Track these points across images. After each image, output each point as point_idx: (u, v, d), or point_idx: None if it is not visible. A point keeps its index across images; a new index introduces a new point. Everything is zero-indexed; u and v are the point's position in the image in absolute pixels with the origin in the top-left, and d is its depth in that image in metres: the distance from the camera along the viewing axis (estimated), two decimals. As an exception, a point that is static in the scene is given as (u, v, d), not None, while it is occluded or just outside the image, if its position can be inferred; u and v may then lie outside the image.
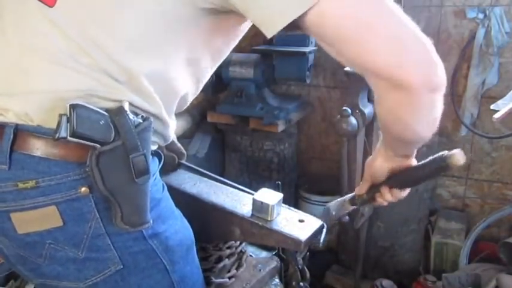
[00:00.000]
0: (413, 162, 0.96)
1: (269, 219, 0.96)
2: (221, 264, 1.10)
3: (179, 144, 1.24)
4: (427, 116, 0.78)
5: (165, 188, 0.96)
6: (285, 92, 2.82)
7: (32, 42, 0.78)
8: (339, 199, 1.10)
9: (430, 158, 0.91)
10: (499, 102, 1.68)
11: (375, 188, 1.00)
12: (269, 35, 0.73)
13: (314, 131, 2.82)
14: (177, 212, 0.97)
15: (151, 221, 0.84)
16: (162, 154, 0.98)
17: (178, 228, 0.94)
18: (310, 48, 2.33)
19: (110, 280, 0.85)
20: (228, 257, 1.13)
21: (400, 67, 0.69)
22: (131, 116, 0.77)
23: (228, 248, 1.12)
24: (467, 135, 2.39)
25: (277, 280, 1.23)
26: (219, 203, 1.02)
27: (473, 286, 1.80)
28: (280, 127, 2.36)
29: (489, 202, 2.45)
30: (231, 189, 1.10)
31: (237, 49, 2.82)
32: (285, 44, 2.33)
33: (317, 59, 2.58)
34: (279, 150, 2.49)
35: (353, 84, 1.73)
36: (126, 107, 0.77)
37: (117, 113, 0.76)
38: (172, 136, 1.22)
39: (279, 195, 0.99)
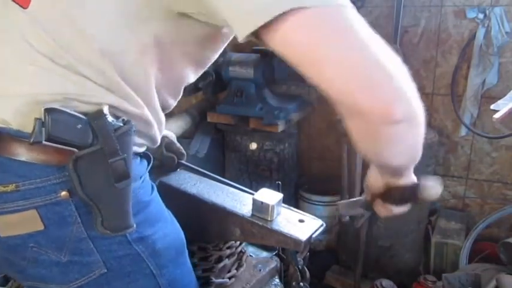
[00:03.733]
0: (411, 179, 0.92)
1: (269, 219, 0.96)
2: (221, 264, 1.10)
3: (178, 145, 1.24)
4: (393, 147, 0.74)
5: (155, 189, 0.95)
6: (285, 92, 2.82)
7: (8, 43, 0.77)
8: (351, 200, 1.08)
9: (415, 182, 0.90)
10: (499, 102, 1.68)
11: (374, 198, 1.00)
12: (240, 38, 0.67)
13: (314, 131, 2.82)
14: (168, 214, 0.96)
15: (134, 226, 0.83)
16: (151, 156, 0.96)
17: (168, 231, 0.93)
18: (310, 48, 2.33)
19: (94, 284, 0.84)
20: (228, 257, 1.13)
21: (355, 94, 0.65)
22: (110, 119, 0.76)
23: (228, 248, 1.12)
24: (467, 135, 2.39)
25: (277, 280, 1.23)
26: (219, 203, 1.02)
27: (473, 286, 1.79)
28: (280, 127, 2.36)
29: (489, 202, 2.45)
30: (231, 189, 1.10)
31: (237, 49, 2.83)
32: (285, 44, 2.33)
33: (317, 59, 2.58)
34: (279, 150, 2.49)
35: (353, 84, 1.73)
36: (106, 110, 0.77)
37: (95, 117, 0.76)
38: (171, 135, 1.21)
39: (279, 195, 0.99)
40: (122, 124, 0.78)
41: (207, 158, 2.44)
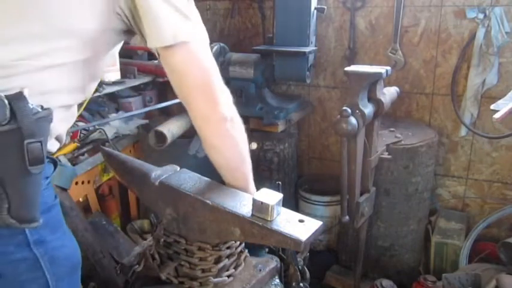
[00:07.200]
0: None
1: (269, 219, 0.96)
2: (221, 265, 1.10)
3: None
4: None
5: (58, 198, 0.93)
6: (285, 92, 2.82)
7: None
8: None
9: None
10: (499, 102, 1.68)
11: None
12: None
13: (314, 131, 2.82)
14: (67, 228, 0.94)
15: (41, 220, 0.78)
16: (57, 162, 0.95)
17: (67, 242, 0.90)
18: (310, 48, 2.33)
19: None
20: (228, 257, 1.13)
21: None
22: (30, 103, 0.75)
23: (228, 248, 1.12)
24: (467, 135, 2.39)
25: (277, 280, 1.23)
26: (219, 203, 1.02)
27: (473, 286, 1.79)
28: (280, 127, 2.36)
29: (489, 202, 2.45)
30: (231, 189, 1.10)
31: (237, 49, 2.83)
32: (285, 44, 2.33)
33: (317, 59, 2.58)
34: (279, 150, 2.49)
35: (353, 84, 1.73)
36: (26, 93, 0.75)
37: (15, 97, 0.74)
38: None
39: (279, 195, 0.98)
40: (40, 109, 0.76)
41: (207, 158, 2.43)
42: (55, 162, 0.94)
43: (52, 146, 0.92)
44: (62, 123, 0.92)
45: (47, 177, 0.88)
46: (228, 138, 1.01)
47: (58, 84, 0.86)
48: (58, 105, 0.87)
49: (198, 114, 0.96)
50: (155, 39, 0.88)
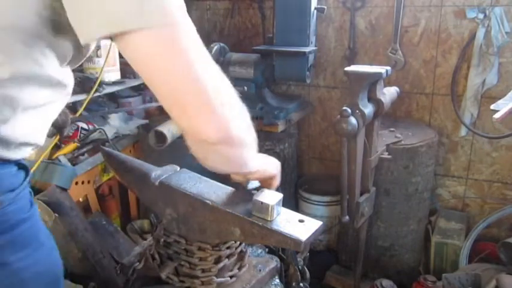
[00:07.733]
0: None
1: (269, 219, 0.96)
2: (220, 265, 1.10)
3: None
4: (212, 160, 0.90)
5: (34, 208, 0.83)
6: (285, 92, 2.82)
7: None
8: None
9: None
10: (499, 102, 1.68)
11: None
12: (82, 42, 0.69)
13: (314, 131, 2.82)
14: (46, 239, 0.85)
15: None
16: (29, 169, 0.84)
17: (41, 257, 0.81)
18: (310, 48, 2.33)
19: None
20: (228, 257, 1.13)
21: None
22: None
23: (228, 248, 1.12)
24: (467, 135, 2.39)
25: (277, 280, 1.23)
26: (219, 203, 1.02)
27: (473, 286, 1.79)
28: (280, 127, 2.36)
29: (489, 202, 2.46)
30: (231, 189, 1.10)
31: (237, 49, 2.84)
32: (285, 44, 2.34)
33: (317, 59, 2.58)
34: (279, 150, 2.49)
35: (353, 84, 1.73)
36: None
37: None
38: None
39: (279, 195, 0.98)
40: None
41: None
42: (26, 169, 0.83)
43: (20, 152, 0.79)
44: (31, 126, 0.80)
45: (13, 190, 0.76)
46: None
47: (19, 90, 0.73)
48: (23, 107, 0.75)
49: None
50: (83, 30, 0.65)
